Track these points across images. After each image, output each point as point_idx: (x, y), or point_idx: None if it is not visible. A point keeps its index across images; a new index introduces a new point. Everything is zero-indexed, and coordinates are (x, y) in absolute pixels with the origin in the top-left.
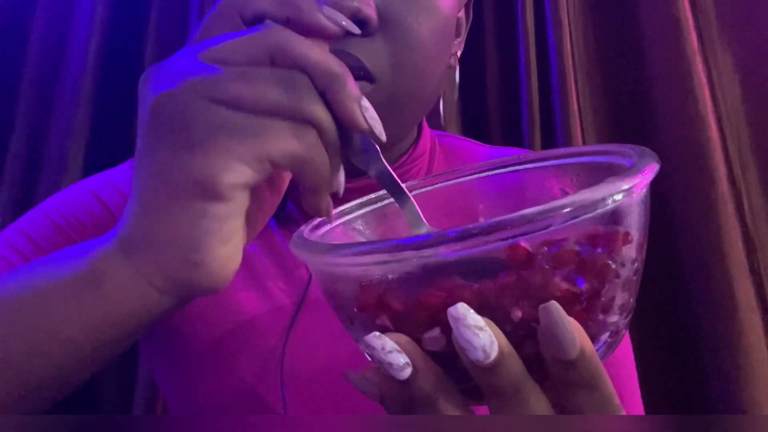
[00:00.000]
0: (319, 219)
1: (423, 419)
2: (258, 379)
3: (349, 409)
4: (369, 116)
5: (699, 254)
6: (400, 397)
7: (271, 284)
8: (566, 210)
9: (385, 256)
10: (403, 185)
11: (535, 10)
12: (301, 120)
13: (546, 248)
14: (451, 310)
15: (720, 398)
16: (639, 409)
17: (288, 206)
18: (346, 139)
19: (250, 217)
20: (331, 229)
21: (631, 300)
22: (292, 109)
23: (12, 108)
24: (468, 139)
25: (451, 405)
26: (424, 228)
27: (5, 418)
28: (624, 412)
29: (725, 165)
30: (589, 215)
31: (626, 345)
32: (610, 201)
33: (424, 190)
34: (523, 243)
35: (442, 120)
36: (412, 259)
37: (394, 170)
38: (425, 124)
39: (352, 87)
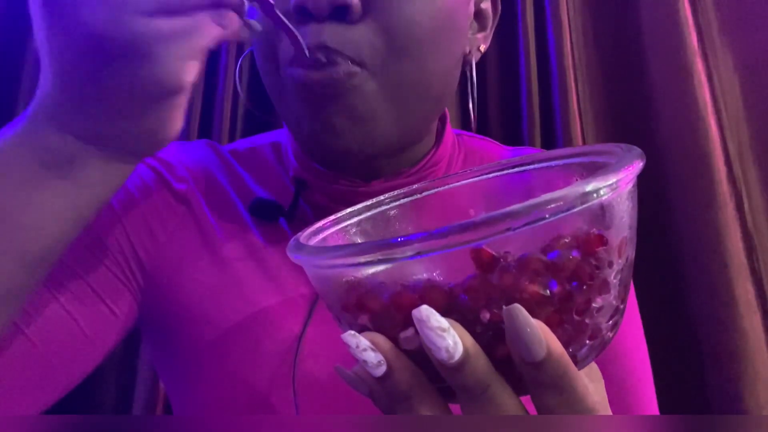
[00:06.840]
0: (317, 225)
1: (424, 420)
2: (270, 379)
3: (362, 409)
4: None
5: (699, 254)
6: (383, 393)
7: (285, 282)
8: (529, 213)
9: (358, 259)
10: (283, 17)
11: (535, 10)
12: (217, 4)
13: (512, 251)
14: (415, 312)
15: (720, 398)
16: (653, 409)
17: (300, 206)
18: None
19: None
20: (328, 235)
21: (615, 302)
22: (212, 1)
23: (12, 108)
24: (489, 139)
25: (427, 402)
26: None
27: (5, 419)
28: (598, 413)
29: (725, 165)
30: (553, 219)
31: (640, 348)
32: (578, 203)
33: (432, 191)
34: (485, 246)
35: (473, 122)
36: (382, 262)
37: (409, 176)
38: (449, 127)
39: None
